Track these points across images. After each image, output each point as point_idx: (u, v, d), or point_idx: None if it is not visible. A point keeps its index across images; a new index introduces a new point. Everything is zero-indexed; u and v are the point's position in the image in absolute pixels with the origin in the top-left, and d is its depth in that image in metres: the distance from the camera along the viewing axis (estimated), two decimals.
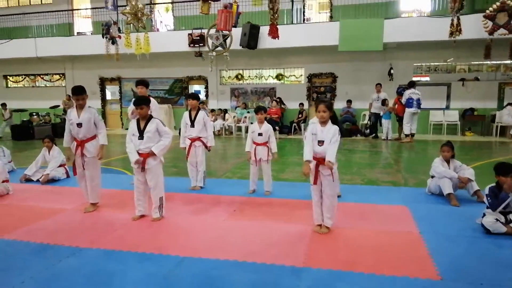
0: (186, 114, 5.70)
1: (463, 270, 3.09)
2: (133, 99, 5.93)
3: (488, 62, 12.20)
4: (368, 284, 2.88)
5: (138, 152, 4.26)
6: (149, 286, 2.87)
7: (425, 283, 2.88)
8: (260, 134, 5.27)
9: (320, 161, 3.79)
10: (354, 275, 3.01)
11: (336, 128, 3.83)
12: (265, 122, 5.37)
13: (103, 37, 12.76)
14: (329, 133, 3.76)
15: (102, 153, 4.69)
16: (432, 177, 5.26)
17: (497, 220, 3.82)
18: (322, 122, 3.83)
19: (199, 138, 5.60)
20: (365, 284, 2.88)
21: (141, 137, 4.27)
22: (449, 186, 4.94)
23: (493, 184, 4.05)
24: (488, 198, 3.95)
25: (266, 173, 5.35)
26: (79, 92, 4.52)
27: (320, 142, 3.78)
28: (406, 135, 11.24)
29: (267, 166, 5.33)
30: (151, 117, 4.37)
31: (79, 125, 4.53)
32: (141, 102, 4.29)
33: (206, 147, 5.68)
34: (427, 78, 13.39)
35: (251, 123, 13.62)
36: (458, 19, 9.92)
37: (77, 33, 15.77)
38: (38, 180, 6.28)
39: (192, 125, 5.59)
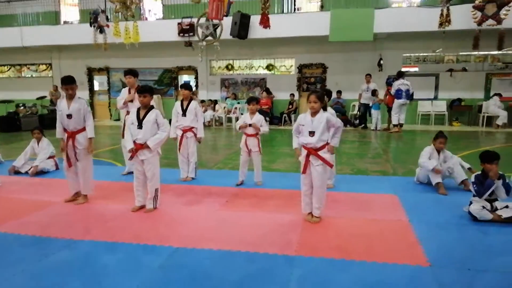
0: (178, 103, 5.68)
1: (451, 257, 3.17)
2: (123, 89, 5.88)
3: (476, 52, 12.33)
4: (359, 271, 2.94)
5: (134, 142, 4.24)
6: (143, 276, 2.88)
7: (415, 269, 2.94)
8: (251, 125, 5.26)
9: (310, 151, 3.82)
10: (345, 263, 3.06)
11: (327, 115, 3.85)
12: (257, 113, 5.35)
13: (90, 26, 12.52)
14: (321, 123, 3.79)
15: (92, 146, 4.65)
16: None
17: (483, 207, 3.91)
18: (313, 112, 3.85)
19: (191, 129, 5.59)
20: (356, 271, 2.93)
21: (139, 126, 4.25)
22: (435, 176, 5.03)
23: (479, 172, 4.15)
24: (474, 186, 4.05)
25: (257, 163, 5.36)
26: (68, 82, 4.47)
27: (311, 133, 3.81)
28: (395, 125, 11.36)
29: (258, 157, 5.35)
30: (152, 107, 4.35)
31: (69, 116, 4.47)
32: (145, 90, 4.27)
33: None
34: (416, 69, 13.50)
35: (242, 113, 13.63)
36: (448, 9, 9.99)
37: (64, 21, 15.48)
38: (26, 172, 6.21)
39: (184, 115, 5.57)
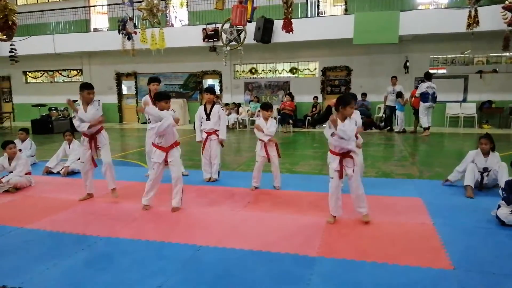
0: (201, 108, 5.79)
1: (476, 261, 3.11)
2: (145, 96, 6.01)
3: (507, 54, 11.95)
4: (381, 273, 2.93)
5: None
6: (167, 273, 2.97)
7: (438, 273, 2.91)
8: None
9: (343, 155, 3.86)
10: (367, 265, 3.06)
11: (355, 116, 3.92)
12: (271, 118, 5.33)
13: (119, 33, 12.90)
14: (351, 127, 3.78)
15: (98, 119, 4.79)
16: None
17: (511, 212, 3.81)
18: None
19: (215, 132, 5.70)
20: (377, 273, 2.93)
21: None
22: (470, 179, 4.92)
23: (511, 178, 4.03)
24: (503, 192, 3.93)
25: (276, 168, 5.31)
26: (91, 87, 4.74)
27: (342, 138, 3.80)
28: (424, 129, 11.10)
29: (277, 161, 5.32)
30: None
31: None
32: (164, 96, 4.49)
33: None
34: (444, 71, 13.19)
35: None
36: (476, 10, 9.73)
37: (94, 29, 16.02)
38: (58, 172, 6.48)
39: (208, 119, 5.68)
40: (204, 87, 15.29)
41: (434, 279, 2.83)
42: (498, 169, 4.94)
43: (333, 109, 3.91)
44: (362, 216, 4.01)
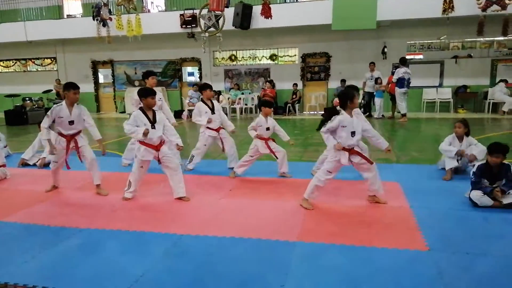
0: (202, 105, 5.65)
1: (450, 241, 3.22)
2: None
3: (481, 39, 12.22)
4: (359, 256, 3.00)
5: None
6: (148, 263, 2.97)
7: (413, 254, 3.01)
8: (267, 129, 5.22)
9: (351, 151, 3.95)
10: (345, 248, 3.13)
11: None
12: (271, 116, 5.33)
13: (93, 20, 12.60)
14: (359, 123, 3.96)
15: (103, 146, 4.79)
16: None
17: (484, 194, 3.94)
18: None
19: (220, 128, 5.70)
20: (356, 256, 3.00)
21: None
22: (450, 162, 5.04)
23: (483, 162, 4.14)
24: (473, 176, 4.05)
25: (284, 157, 5.34)
26: (77, 87, 4.58)
27: (353, 133, 3.91)
28: (402, 115, 11.28)
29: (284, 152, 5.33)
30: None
31: (71, 122, 4.54)
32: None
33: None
34: (421, 56, 13.40)
35: (246, 104, 13.67)
36: None
37: (67, 15, 15.51)
38: (35, 164, 6.33)
39: (213, 112, 5.61)
40: (183, 75, 15.25)
41: (410, 260, 2.92)
42: (475, 146, 5.03)
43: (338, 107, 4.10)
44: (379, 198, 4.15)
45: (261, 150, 5.23)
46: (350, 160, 3.96)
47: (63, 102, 4.56)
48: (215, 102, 5.76)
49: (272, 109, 5.33)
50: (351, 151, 3.94)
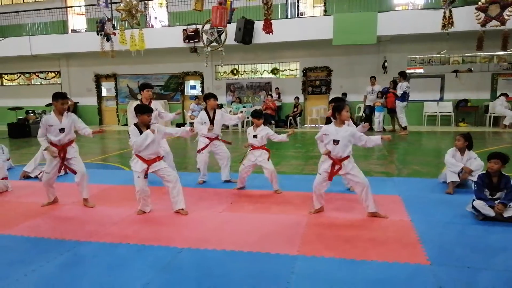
0: (203, 113, 5.71)
1: (451, 255, 3.21)
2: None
3: (481, 53, 12.31)
4: (360, 270, 2.99)
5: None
6: (148, 277, 2.96)
7: (414, 268, 2.99)
8: (255, 136, 5.21)
9: (336, 160, 4.10)
10: (345, 262, 3.12)
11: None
12: (262, 125, 5.29)
13: (97, 34, 12.76)
14: (346, 133, 4.08)
15: (98, 130, 4.85)
16: None
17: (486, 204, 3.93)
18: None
19: (217, 137, 5.76)
20: (356, 270, 2.99)
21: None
22: (452, 175, 5.04)
23: (483, 172, 4.16)
24: (475, 186, 4.06)
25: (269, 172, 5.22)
26: (66, 96, 4.66)
27: (335, 142, 4.07)
28: (404, 128, 11.32)
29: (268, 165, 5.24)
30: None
31: (62, 130, 4.57)
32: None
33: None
34: (421, 70, 13.50)
35: (248, 117, 13.71)
36: (450, 11, 10.01)
37: (71, 30, 15.74)
38: (36, 177, 6.35)
39: (212, 124, 5.66)
40: (185, 89, 15.37)
41: (411, 274, 2.91)
42: (474, 160, 5.06)
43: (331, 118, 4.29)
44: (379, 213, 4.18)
45: (249, 158, 5.24)
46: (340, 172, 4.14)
47: (52, 111, 4.65)
48: (218, 113, 5.74)
49: (260, 120, 5.26)
50: (336, 161, 4.08)
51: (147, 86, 5.73)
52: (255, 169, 5.40)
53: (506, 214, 3.87)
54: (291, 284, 2.81)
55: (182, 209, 4.39)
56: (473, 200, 4.06)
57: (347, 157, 4.11)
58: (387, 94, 11.70)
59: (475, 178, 4.19)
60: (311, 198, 4.35)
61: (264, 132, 5.22)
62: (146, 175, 4.34)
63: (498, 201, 3.94)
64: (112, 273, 3.04)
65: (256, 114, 5.36)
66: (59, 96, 4.57)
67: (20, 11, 14.94)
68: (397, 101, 11.22)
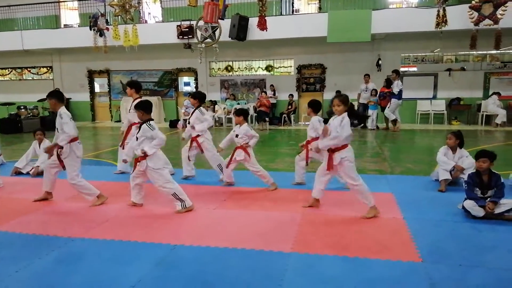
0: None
1: (443, 253, 3.23)
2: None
3: (474, 52, 12.40)
4: (352, 267, 3.01)
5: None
6: (141, 273, 2.95)
7: (407, 265, 3.01)
8: (236, 136, 5.19)
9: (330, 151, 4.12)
10: (339, 259, 3.13)
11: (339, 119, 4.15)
12: (244, 124, 5.25)
13: (90, 29, 12.63)
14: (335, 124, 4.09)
15: (52, 150, 4.62)
16: None
17: (477, 204, 3.96)
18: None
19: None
20: (349, 267, 3.00)
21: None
22: (444, 173, 5.08)
23: (473, 171, 4.20)
24: (465, 185, 4.09)
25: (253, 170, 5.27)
26: (48, 95, 4.65)
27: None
28: (394, 121, 11.42)
29: (248, 164, 5.24)
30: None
31: (56, 129, 4.57)
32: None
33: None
34: (415, 69, 13.56)
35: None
36: (444, 10, 10.07)
37: (64, 25, 15.56)
38: (28, 173, 6.30)
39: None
40: (179, 85, 15.28)
41: (403, 272, 2.92)
42: (466, 158, 5.11)
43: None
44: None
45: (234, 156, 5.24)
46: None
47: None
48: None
49: (240, 117, 5.22)
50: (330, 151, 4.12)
51: (128, 84, 5.87)
52: None
53: (496, 211, 3.91)
54: (284, 281, 2.81)
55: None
56: (465, 199, 4.09)
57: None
58: (384, 97, 11.64)
59: (466, 177, 4.21)
60: (305, 195, 4.36)
61: (243, 130, 5.19)
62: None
63: (489, 199, 3.97)
64: (105, 270, 3.02)
65: (235, 111, 5.39)
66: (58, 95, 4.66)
67: (12, 5, 14.73)
68: (393, 99, 11.24)
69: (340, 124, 4.02)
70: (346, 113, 4.09)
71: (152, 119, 4.43)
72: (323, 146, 4.14)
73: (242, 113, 5.28)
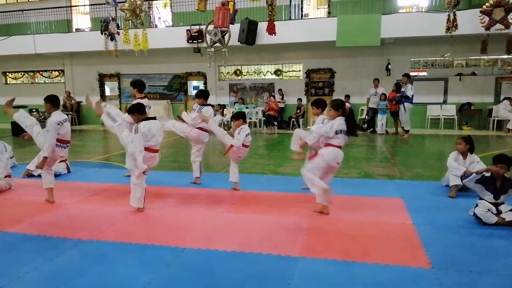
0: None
1: (454, 259, 3.19)
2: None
3: (485, 57, 12.28)
4: (361, 272, 2.99)
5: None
6: (150, 276, 2.97)
7: (416, 271, 2.98)
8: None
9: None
10: (347, 264, 3.11)
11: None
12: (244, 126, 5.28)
13: (101, 34, 12.79)
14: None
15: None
16: None
17: (488, 210, 3.92)
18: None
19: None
20: (357, 272, 2.98)
21: None
22: (455, 179, 4.99)
23: (488, 175, 4.13)
24: (477, 184, 4.04)
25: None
26: (45, 98, 4.95)
27: None
28: (407, 131, 11.30)
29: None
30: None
31: None
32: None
33: None
34: (425, 73, 13.47)
35: (250, 118, 13.73)
36: (455, 14, 10.00)
37: (76, 29, 15.80)
38: (39, 175, 6.35)
39: None
40: (188, 89, 15.37)
41: (412, 277, 2.90)
42: (477, 164, 5.02)
43: None
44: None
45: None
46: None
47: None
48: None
49: (240, 120, 5.25)
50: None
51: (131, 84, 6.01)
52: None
53: (508, 218, 3.86)
54: (292, 285, 2.80)
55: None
56: (476, 205, 4.04)
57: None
58: (397, 102, 11.51)
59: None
60: (314, 199, 4.34)
61: (243, 131, 5.21)
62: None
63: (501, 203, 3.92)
64: (113, 272, 3.04)
65: (235, 115, 5.42)
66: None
67: (25, 10, 14.99)
68: (406, 104, 11.04)
69: (322, 122, 4.24)
70: (338, 118, 4.22)
71: (148, 118, 4.47)
72: (304, 140, 4.51)
73: (240, 116, 5.31)
